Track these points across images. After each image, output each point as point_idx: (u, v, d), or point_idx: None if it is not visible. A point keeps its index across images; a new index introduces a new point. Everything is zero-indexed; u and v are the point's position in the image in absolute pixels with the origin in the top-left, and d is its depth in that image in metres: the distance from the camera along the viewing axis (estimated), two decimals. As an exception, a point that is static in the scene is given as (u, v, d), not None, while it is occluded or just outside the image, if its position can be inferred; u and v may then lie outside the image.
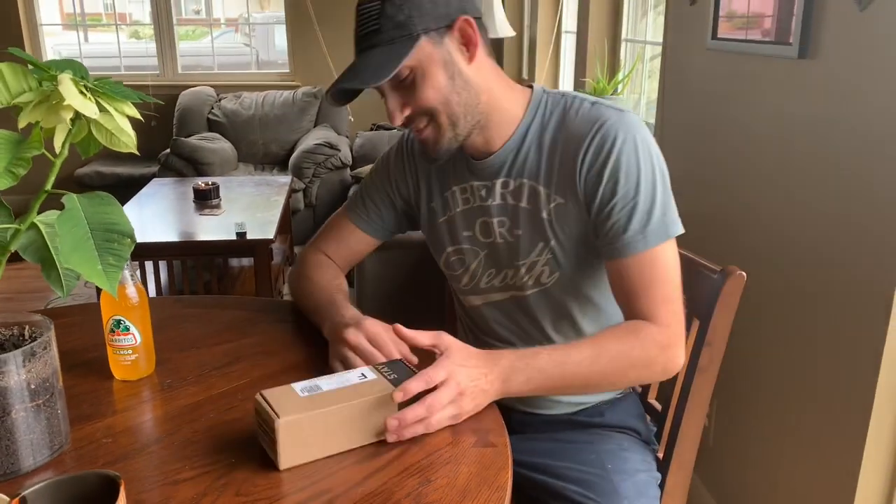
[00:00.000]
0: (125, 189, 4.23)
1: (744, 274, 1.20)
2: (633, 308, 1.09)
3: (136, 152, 0.88)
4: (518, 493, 0.88)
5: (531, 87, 1.19)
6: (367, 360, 1.03)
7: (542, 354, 1.01)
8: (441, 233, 1.28)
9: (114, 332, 1.06)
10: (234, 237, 3.02)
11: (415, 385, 0.91)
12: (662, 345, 1.07)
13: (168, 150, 4.39)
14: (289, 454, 0.86)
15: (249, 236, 3.02)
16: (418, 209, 1.31)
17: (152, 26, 5.44)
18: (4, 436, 0.84)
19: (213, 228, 3.23)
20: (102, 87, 0.83)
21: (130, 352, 1.07)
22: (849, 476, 1.42)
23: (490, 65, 1.14)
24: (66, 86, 0.78)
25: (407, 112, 1.11)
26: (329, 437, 0.89)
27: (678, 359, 1.09)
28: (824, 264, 1.51)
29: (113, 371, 1.09)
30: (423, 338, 0.97)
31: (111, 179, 4.65)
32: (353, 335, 1.06)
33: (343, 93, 1.12)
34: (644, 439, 1.29)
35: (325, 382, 0.93)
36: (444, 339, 0.97)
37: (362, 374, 0.95)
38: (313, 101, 5.01)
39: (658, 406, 1.34)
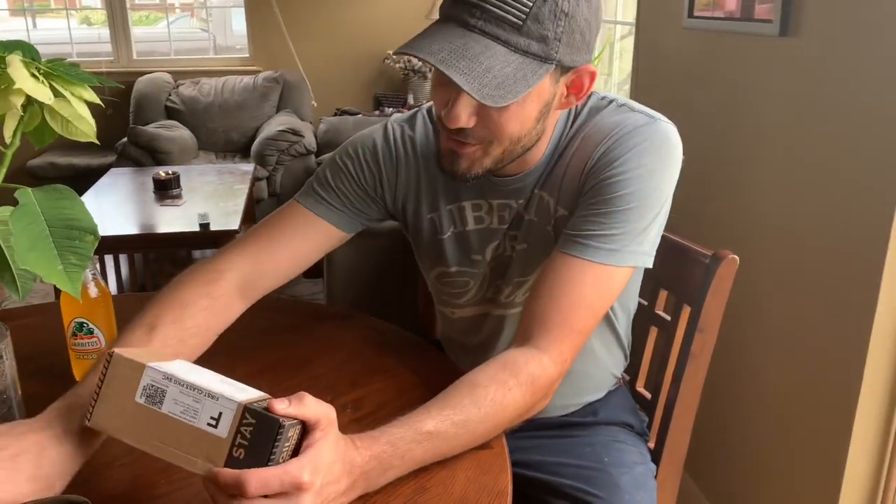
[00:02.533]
0: (81, 180, 4.08)
1: (736, 258, 1.17)
2: (543, 317, 0.93)
3: (96, 141, 0.81)
4: (514, 491, 0.83)
5: None
6: None
7: (424, 441, 0.80)
8: (443, 249, 1.12)
9: (76, 335, 0.99)
10: (197, 228, 2.93)
11: (233, 486, 0.68)
12: (549, 386, 0.92)
13: (125, 139, 4.25)
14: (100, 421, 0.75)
15: (213, 227, 2.93)
16: (404, 213, 1.14)
17: (104, 11, 5.25)
18: (-42, 455, 0.77)
19: (174, 220, 3.12)
20: (57, 70, 0.75)
21: (95, 355, 1.00)
22: (836, 465, 1.41)
23: None
24: (17, 68, 0.70)
25: (472, 124, 0.92)
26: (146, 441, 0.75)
27: (552, 396, 0.94)
28: (807, 244, 1.49)
29: (76, 376, 1.02)
30: (311, 410, 0.72)
31: (66, 170, 4.49)
32: None
33: (421, 60, 0.87)
34: (637, 431, 1.25)
35: (173, 397, 0.73)
36: (327, 420, 0.73)
37: (214, 419, 0.72)
38: (275, 86, 4.88)
39: (647, 395, 1.31)
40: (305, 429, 0.73)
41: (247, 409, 0.71)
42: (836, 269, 1.41)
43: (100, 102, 0.78)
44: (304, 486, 0.69)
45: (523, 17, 0.84)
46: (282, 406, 0.70)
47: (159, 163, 4.19)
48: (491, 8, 0.84)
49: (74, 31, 5.57)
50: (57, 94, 0.75)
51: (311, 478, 0.69)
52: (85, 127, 0.79)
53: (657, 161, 0.96)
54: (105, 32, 5.32)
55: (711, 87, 1.83)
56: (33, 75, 0.72)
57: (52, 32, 6.66)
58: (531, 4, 0.84)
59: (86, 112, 0.78)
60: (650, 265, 0.99)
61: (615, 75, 3.23)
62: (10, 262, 0.82)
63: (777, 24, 1.53)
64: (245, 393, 0.74)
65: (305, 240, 1.06)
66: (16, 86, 0.70)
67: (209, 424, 0.71)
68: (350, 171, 1.10)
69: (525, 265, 1.08)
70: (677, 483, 1.27)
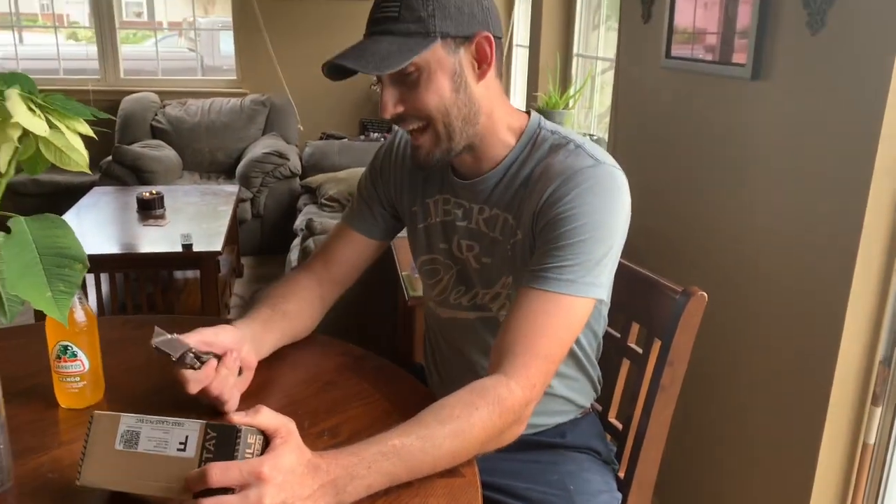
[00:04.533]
0: (64, 198, 4.08)
1: (705, 295, 1.20)
2: (510, 346, 0.99)
3: (88, 171, 0.84)
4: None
5: (529, 113, 1.17)
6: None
7: (390, 454, 0.84)
8: (419, 238, 1.27)
9: (60, 358, 1.00)
10: (179, 249, 2.94)
11: (198, 480, 0.75)
12: (520, 410, 0.96)
13: (109, 158, 4.26)
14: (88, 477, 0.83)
15: (196, 248, 2.94)
16: (400, 208, 1.29)
17: (92, 28, 5.27)
18: (-58, 475, 0.79)
19: (157, 240, 3.13)
20: (52, 104, 0.78)
21: (78, 379, 1.02)
22: (803, 495, 1.45)
23: (497, 87, 1.12)
24: (15, 102, 0.73)
25: (400, 109, 1.07)
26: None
27: (525, 423, 0.99)
28: (776, 280, 1.54)
29: (59, 399, 1.04)
30: (266, 419, 0.80)
31: (48, 188, 4.48)
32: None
33: (341, 69, 1.05)
34: (604, 459, 1.28)
35: (147, 435, 0.81)
36: (286, 429, 0.80)
37: (182, 443, 0.79)
38: (261, 108, 4.92)
39: (619, 425, 1.34)
40: (267, 441, 0.79)
41: (208, 426, 0.79)
42: (802, 302, 1.46)
43: (93, 135, 0.81)
44: (263, 477, 0.75)
45: (397, 9, 1.02)
46: (238, 416, 0.79)
47: (143, 182, 4.19)
48: (377, 16, 1.05)
49: (61, 47, 5.57)
50: (52, 125, 0.78)
51: (271, 472, 0.75)
52: (77, 157, 0.82)
53: (602, 199, 1.04)
54: (92, 49, 5.33)
55: (686, 125, 1.89)
56: (30, 108, 0.75)
57: (38, 48, 6.66)
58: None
59: (79, 143, 0.81)
60: (604, 297, 1.06)
61: (595, 108, 3.30)
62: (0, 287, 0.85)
63: (749, 68, 1.60)
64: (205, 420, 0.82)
65: (347, 250, 1.28)
66: (13, 119, 0.73)
67: (178, 449, 0.79)
68: (366, 182, 1.31)
69: (488, 277, 1.18)
70: (646, 512, 1.30)
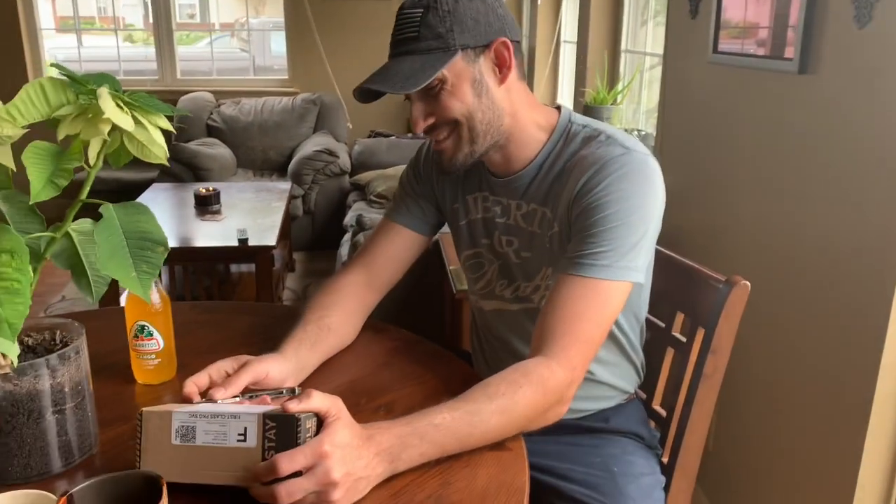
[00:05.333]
0: (124, 194, 4.22)
1: (748, 284, 1.23)
2: (550, 331, 1.04)
3: (167, 163, 0.91)
4: (527, 493, 0.90)
5: (559, 108, 1.22)
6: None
7: (440, 426, 0.90)
8: (462, 234, 1.32)
9: (137, 337, 1.09)
10: (235, 243, 3.05)
11: (268, 472, 0.80)
12: (562, 391, 1.01)
13: (168, 155, 4.41)
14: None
15: (251, 242, 3.05)
16: (444, 207, 1.34)
17: (146, 31, 5.46)
18: (39, 437, 0.87)
19: (214, 234, 3.25)
20: (137, 101, 0.86)
21: (154, 356, 1.10)
22: (847, 485, 1.46)
23: (520, 88, 1.17)
24: (106, 100, 0.81)
25: (430, 121, 1.14)
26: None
27: (567, 404, 1.03)
28: (823, 275, 1.55)
29: (136, 375, 1.12)
30: (318, 402, 0.84)
31: (111, 184, 4.66)
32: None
33: (370, 92, 1.12)
34: (648, 444, 1.32)
35: (203, 429, 0.85)
36: (336, 407, 0.85)
37: (242, 434, 0.83)
38: (312, 107, 5.03)
39: (663, 412, 1.37)
40: (321, 422, 0.84)
41: (266, 416, 0.82)
42: (847, 299, 1.47)
43: (173, 130, 0.88)
44: (325, 455, 0.80)
45: (417, 30, 1.08)
46: (293, 404, 0.82)
47: (199, 179, 4.34)
48: (398, 37, 1.11)
49: (116, 50, 5.77)
50: (136, 121, 0.86)
51: (332, 448, 0.81)
52: (158, 150, 0.89)
53: (635, 185, 1.08)
54: (148, 51, 5.51)
55: (733, 119, 1.90)
56: (118, 106, 0.82)
57: (97, 50, 6.91)
58: (419, 18, 1.08)
59: (160, 138, 0.88)
60: (641, 280, 1.10)
61: (643, 104, 3.31)
62: (87, 269, 0.93)
63: (796, 62, 1.61)
64: (261, 408, 0.86)
65: (391, 246, 1.32)
66: (104, 115, 0.81)
67: (238, 441, 0.83)
68: (409, 178, 1.36)
69: (529, 270, 1.22)
70: (689, 497, 1.33)
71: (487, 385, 0.97)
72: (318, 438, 0.82)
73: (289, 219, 4.15)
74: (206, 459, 0.84)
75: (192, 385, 0.98)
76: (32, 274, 0.82)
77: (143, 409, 0.88)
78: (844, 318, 1.48)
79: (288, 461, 0.79)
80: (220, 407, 0.89)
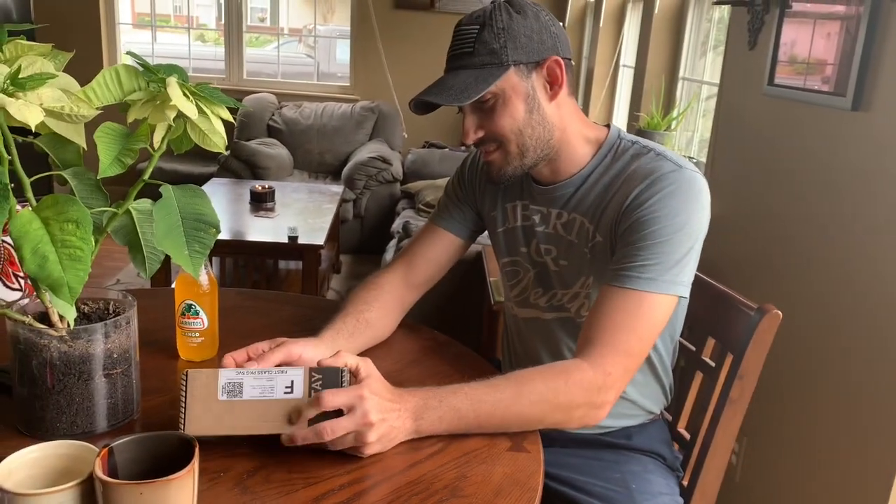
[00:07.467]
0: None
1: (779, 313, 1.24)
2: (590, 339, 1.07)
3: (225, 152, 0.97)
4: (542, 502, 0.93)
5: (609, 126, 1.25)
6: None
7: (459, 394, 0.99)
8: (500, 242, 1.35)
9: (185, 314, 1.15)
10: (285, 240, 3.13)
11: (315, 406, 0.91)
12: (591, 391, 1.04)
13: (228, 152, 4.55)
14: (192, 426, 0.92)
15: (301, 240, 3.13)
16: (483, 215, 1.38)
17: (218, 31, 5.64)
18: (87, 397, 0.93)
19: (266, 230, 3.35)
20: (202, 91, 0.92)
21: (198, 335, 1.16)
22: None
23: (571, 104, 1.20)
24: (174, 88, 0.87)
25: (480, 134, 1.18)
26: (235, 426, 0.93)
27: (602, 410, 1.06)
28: (863, 312, 1.54)
29: (180, 351, 1.18)
30: (350, 359, 0.96)
31: (171, 176, 4.81)
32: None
33: (425, 105, 1.17)
34: (669, 465, 1.32)
35: (250, 384, 0.93)
36: (367, 366, 0.97)
37: (289, 387, 0.93)
38: (370, 115, 5.13)
39: (687, 436, 1.38)
40: (353, 377, 0.95)
41: (311, 370, 0.94)
42: (891, 339, 1.46)
43: (233, 121, 0.94)
44: (364, 396, 0.91)
45: (472, 45, 1.13)
46: (328, 361, 0.95)
47: (256, 177, 4.46)
48: (454, 52, 1.15)
49: (187, 47, 5.97)
50: (200, 111, 0.92)
51: (369, 393, 0.92)
52: (218, 139, 0.95)
53: (684, 202, 1.11)
54: (218, 50, 5.69)
55: (784, 151, 1.90)
56: (185, 95, 0.89)
57: (170, 47, 7.16)
58: (475, 35, 1.13)
59: (221, 127, 0.94)
60: (686, 294, 1.12)
61: (699, 132, 3.30)
62: (143, 246, 0.99)
63: (850, 99, 1.61)
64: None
65: (433, 248, 1.37)
66: (171, 102, 0.87)
67: (286, 393, 0.93)
68: (455, 185, 1.41)
69: (567, 279, 1.26)
70: (707, 521, 1.33)
71: (512, 373, 1.05)
72: (358, 384, 0.93)
73: (338, 221, 4.23)
74: (251, 412, 0.92)
75: (230, 358, 1.04)
76: (94, 245, 0.89)
77: (189, 370, 0.95)
78: (881, 359, 1.47)
79: (331, 396, 0.90)
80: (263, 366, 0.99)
